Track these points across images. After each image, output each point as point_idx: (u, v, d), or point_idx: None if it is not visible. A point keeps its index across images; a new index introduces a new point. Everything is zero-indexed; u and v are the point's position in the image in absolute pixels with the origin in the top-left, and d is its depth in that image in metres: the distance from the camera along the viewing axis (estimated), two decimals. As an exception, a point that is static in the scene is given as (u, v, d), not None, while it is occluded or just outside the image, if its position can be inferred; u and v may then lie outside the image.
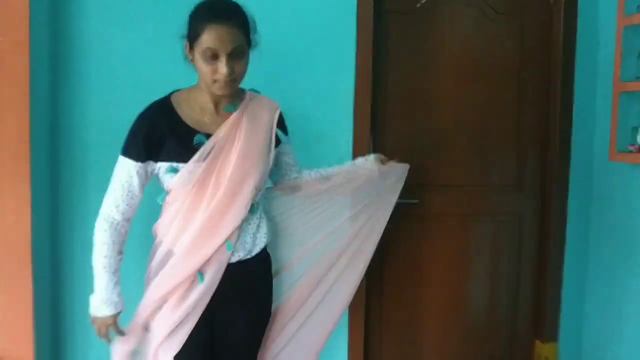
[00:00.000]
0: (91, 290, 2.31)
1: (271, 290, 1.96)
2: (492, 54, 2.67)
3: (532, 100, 2.73)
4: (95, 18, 2.26)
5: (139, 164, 1.71)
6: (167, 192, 1.78)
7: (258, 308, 1.91)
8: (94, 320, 1.79)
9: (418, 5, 2.59)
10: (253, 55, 2.35)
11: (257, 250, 1.84)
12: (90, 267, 2.29)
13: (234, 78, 1.65)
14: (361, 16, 2.46)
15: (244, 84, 1.86)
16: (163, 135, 1.68)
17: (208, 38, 1.58)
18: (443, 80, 2.65)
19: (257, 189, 1.77)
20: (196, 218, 1.72)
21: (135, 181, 1.72)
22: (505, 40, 2.68)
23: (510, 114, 2.72)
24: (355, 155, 2.49)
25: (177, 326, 1.74)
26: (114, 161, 2.25)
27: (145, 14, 2.28)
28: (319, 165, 2.46)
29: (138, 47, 2.29)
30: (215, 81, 1.64)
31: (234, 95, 1.78)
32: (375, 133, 2.58)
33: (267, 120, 1.82)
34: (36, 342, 2.14)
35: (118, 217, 1.73)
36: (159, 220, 1.82)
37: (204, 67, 1.62)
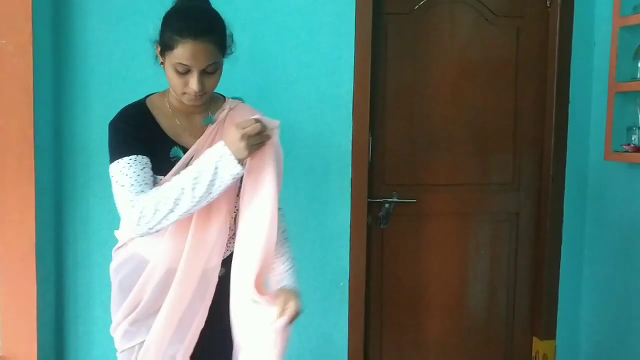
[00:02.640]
0: (95, 291, 2.35)
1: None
2: (490, 55, 2.70)
3: (528, 101, 2.75)
4: (97, 20, 2.27)
5: (140, 156, 1.53)
6: None
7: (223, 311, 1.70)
8: (239, 152, 1.45)
9: (416, 7, 2.62)
10: (253, 57, 2.40)
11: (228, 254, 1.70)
12: (94, 268, 2.34)
13: (204, 92, 1.53)
14: (359, 17, 2.48)
15: (228, 91, 1.77)
16: (146, 142, 1.55)
17: (181, 53, 1.46)
18: (441, 81, 2.67)
19: (233, 206, 1.65)
20: (176, 230, 1.57)
21: (148, 172, 1.52)
22: (502, 41, 2.70)
23: (507, 114, 2.75)
24: (354, 155, 2.52)
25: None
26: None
27: (148, 15, 2.26)
28: (318, 166, 2.50)
29: (140, 49, 2.28)
30: (184, 93, 1.53)
31: (211, 104, 1.65)
32: (374, 133, 2.60)
33: None
34: (39, 341, 2.15)
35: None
36: (124, 225, 1.66)
37: (174, 78, 1.51)
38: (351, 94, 2.50)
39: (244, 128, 1.44)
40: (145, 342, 1.62)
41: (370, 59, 2.50)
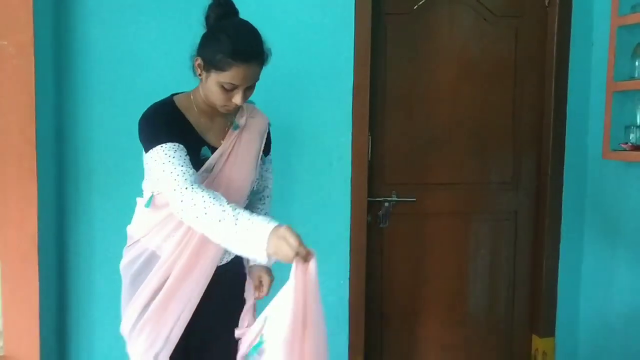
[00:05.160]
0: (98, 290, 2.36)
1: (244, 283, 1.89)
2: (488, 54, 2.71)
3: (527, 100, 2.77)
4: (98, 20, 2.27)
5: (180, 145, 1.57)
6: (152, 195, 1.68)
7: (230, 299, 1.83)
8: (273, 249, 1.39)
9: (415, 7, 2.63)
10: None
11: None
12: (96, 268, 2.35)
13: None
14: (359, 18, 2.48)
15: None
16: (179, 136, 1.60)
17: (232, 75, 1.54)
18: (440, 81, 2.68)
19: (246, 200, 1.78)
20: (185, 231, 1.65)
21: (189, 158, 1.56)
22: (501, 41, 2.72)
23: (506, 113, 2.76)
24: (354, 154, 2.53)
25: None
26: (118, 161, 2.29)
27: (149, 15, 2.29)
28: (318, 165, 2.51)
29: (142, 49, 2.31)
30: (225, 105, 1.62)
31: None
32: (374, 133, 2.61)
33: (260, 136, 1.80)
34: (42, 341, 2.15)
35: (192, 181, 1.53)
36: (138, 221, 1.76)
37: (218, 93, 1.58)
38: (351, 94, 2.51)
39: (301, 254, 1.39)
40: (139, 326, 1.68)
41: (370, 59, 2.51)
